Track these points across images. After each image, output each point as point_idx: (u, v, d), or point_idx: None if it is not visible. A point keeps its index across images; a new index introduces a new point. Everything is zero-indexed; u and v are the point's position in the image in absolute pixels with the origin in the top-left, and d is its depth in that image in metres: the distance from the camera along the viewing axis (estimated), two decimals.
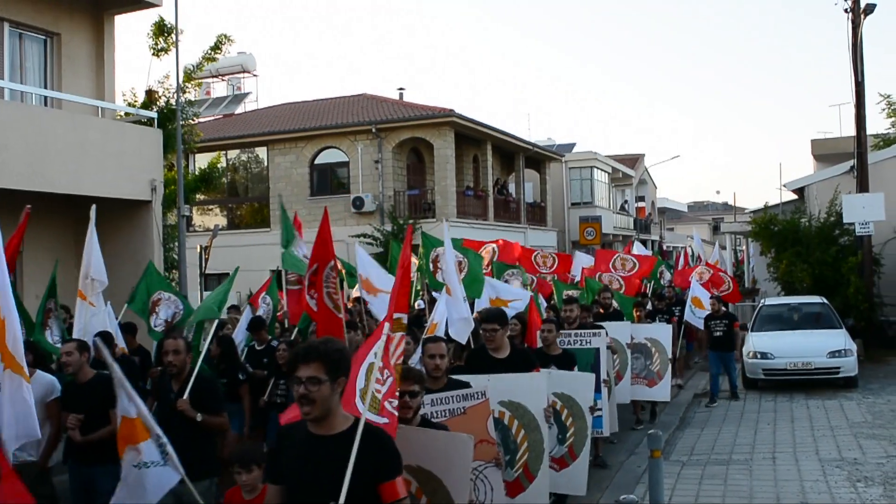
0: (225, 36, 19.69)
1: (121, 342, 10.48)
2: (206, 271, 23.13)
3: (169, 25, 18.09)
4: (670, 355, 13.86)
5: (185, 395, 6.77)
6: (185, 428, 6.57)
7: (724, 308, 16.69)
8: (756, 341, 17.18)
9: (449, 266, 10.45)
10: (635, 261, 20.22)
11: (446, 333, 9.78)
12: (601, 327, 11.25)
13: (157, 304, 12.16)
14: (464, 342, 10.26)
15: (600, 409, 9.79)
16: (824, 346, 16.48)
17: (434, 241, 14.06)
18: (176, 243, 17.35)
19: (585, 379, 8.73)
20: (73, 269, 15.25)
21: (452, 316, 10.04)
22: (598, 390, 9.62)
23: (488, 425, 6.24)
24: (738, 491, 9.79)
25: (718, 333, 15.75)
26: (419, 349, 9.03)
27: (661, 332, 13.96)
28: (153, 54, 18.30)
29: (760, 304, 19.93)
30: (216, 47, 19.63)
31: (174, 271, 17.87)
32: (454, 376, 6.66)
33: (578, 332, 10.60)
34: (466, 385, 6.36)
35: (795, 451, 11.62)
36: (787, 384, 16.51)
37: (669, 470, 10.30)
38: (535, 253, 20.12)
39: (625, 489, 9.44)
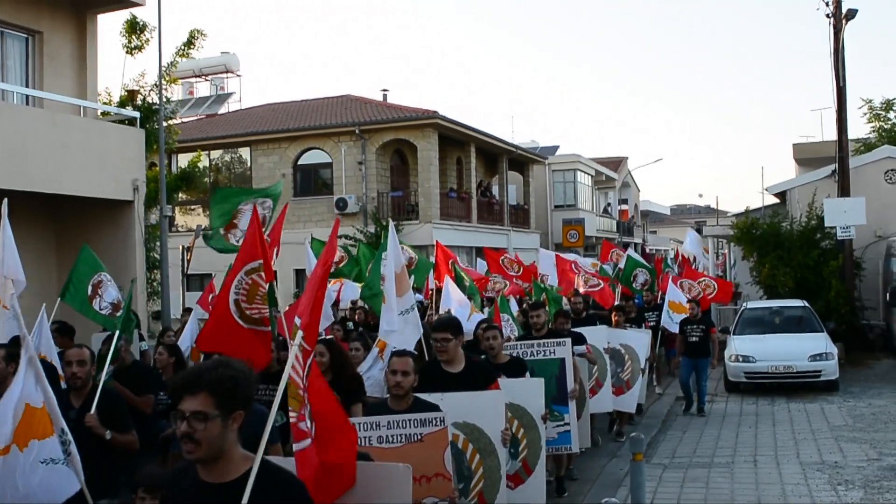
0: (198, 31, 19.63)
1: (46, 350, 9.09)
2: (189, 272, 23.00)
3: (141, 23, 18.01)
4: (643, 365, 13.18)
5: (92, 410, 6.24)
6: (89, 446, 5.89)
7: (700, 313, 15.78)
8: (738, 345, 17.23)
9: (388, 271, 9.25)
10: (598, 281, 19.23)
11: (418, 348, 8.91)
12: (578, 335, 10.68)
13: (99, 286, 11.02)
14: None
15: (567, 424, 9.19)
16: (806, 349, 16.56)
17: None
18: (158, 243, 17.26)
19: (534, 385, 7.95)
20: (52, 269, 15.22)
21: (383, 326, 8.98)
22: (564, 403, 9.19)
23: (445, 457, 5.57)
24: (719, 494, 9.82)
25: (694, 339, 14.97)
26: (372, 356, 8.83)
27: (638, 339, 13.31)
28: (127, 52, 18.22)
29: (742, 308, 19.99)
30: (189, 43, 19.57)
31: (156, 271, 17.77)
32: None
33: (541, 341, 9.57)
34: (434, 407, 5.78)
35: (777, 454, 11.66)
36: (769, 387, 16.57)
37: (651, 473, 10.32)
38: (503, 257, 20.26)
39: (607, 492, 9.44)
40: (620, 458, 11.23)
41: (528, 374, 8.26)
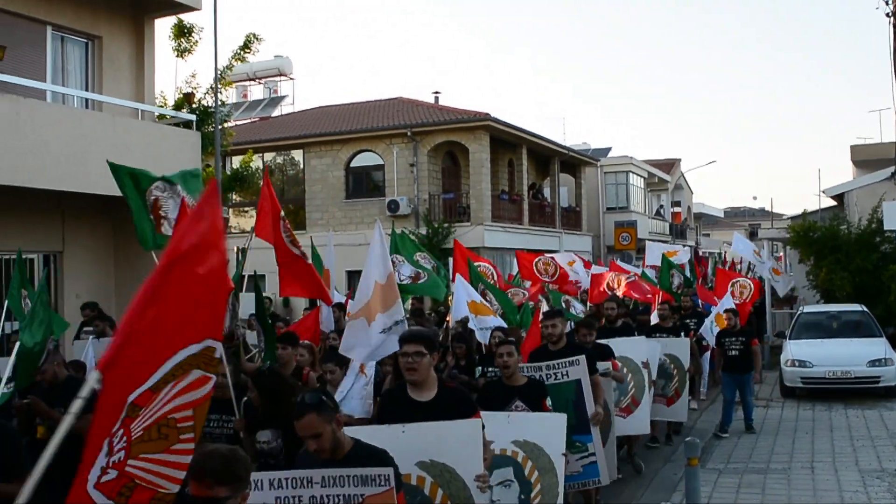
0: (254, 35, 19.83)
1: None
2: (244, 272, 23.22)
3: (189, 26, 18.26)
4: (687, 369, 12.64)
5: None
6: None
7: (740, 323, 14.16)
8: (794, 349, 16.99)
9: (367, 280, 7.49)
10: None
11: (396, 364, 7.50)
12: (603, 348, 9.61)
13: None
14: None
15: (593, 455, 8.11)
16: (864, 354, 16.26)
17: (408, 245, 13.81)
18: None
19: (555, 421, 6.71)
20: (111, 269, 15.50)
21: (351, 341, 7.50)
22: (585, 431, 8.09)
23: None
24: (776, 500, 9.70)
25: (734, 352, 13.64)
26: (353, 371, 7.50)
27: (679, 347, 12.71)
28: (176, 55, 18.49)
29: (799, 312, 19.70)
30: (246, 46, 19.78)
31: None
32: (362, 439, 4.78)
33: (550, 363, 8.20)
34: (379, 457, 4.57)
35: (835, 460, 11.47)
36: (826, 393, 16.30)
37: (706, 478, 10.21)
38: (538, 259, 18.10)
39: (661, 496, 9.41)
40: (674, 463, 11.16)
41: (548, 398, 7.18)
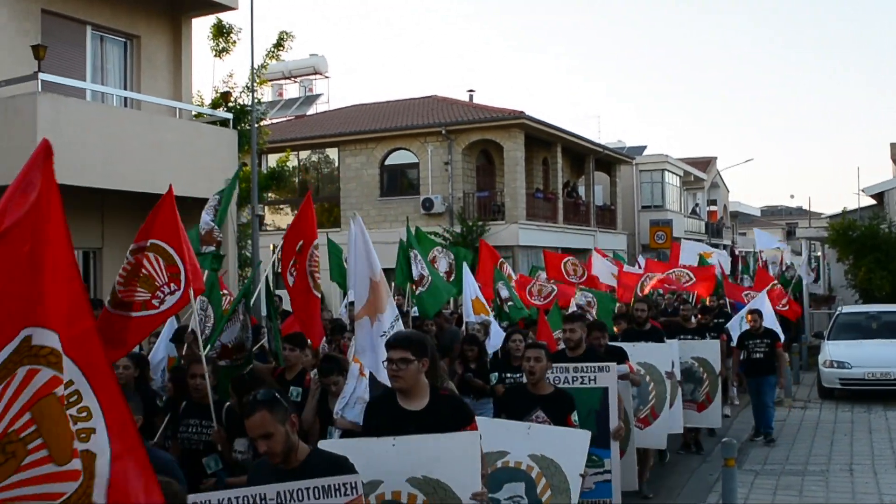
0: (286, 33, 19.93)
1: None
2: (279, 270, 23.39)
3: (228, 26, 18.40)
4: (719, 372, 11.98)
5: None
6: None
7: (765, 325, 13.33)
8: (833, 350, 16.78)
9: (360, 276, 6.93)
10: (691, 275, 17.40)
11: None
12: (616, 350, 8.95)
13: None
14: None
15: (608, 472, 7.38)
16: None
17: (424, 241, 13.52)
18: (249, 242, 17.60)
19: (577, 439, 6.13)
20: None
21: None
22: (604, 445, 7.36)
23: None
24: (813, 502, 9.57)
25: (758, 355, 12.97)
26: (353, 374, 6.82)
27: (709, 350, 12.08)
28: (214, 55, 18.64)
29: (837, 312, 19.46)
30: (279, 44, 19.90)
31: (247, 269, 18.14)
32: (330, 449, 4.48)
33: (579, 365, 7.73)
34: (340, 464, 4.17)
35: (874, 463, 11.31)
36: (865, 394, 16.08)
37: (743, 479, 10.10)
38: (566, 259, 17.91)
39: (697, 497, 9.34)
40: (711, 464, 11.06)
41: (575, 413, 6.61)
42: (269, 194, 27.03)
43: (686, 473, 10.78)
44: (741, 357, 13.26)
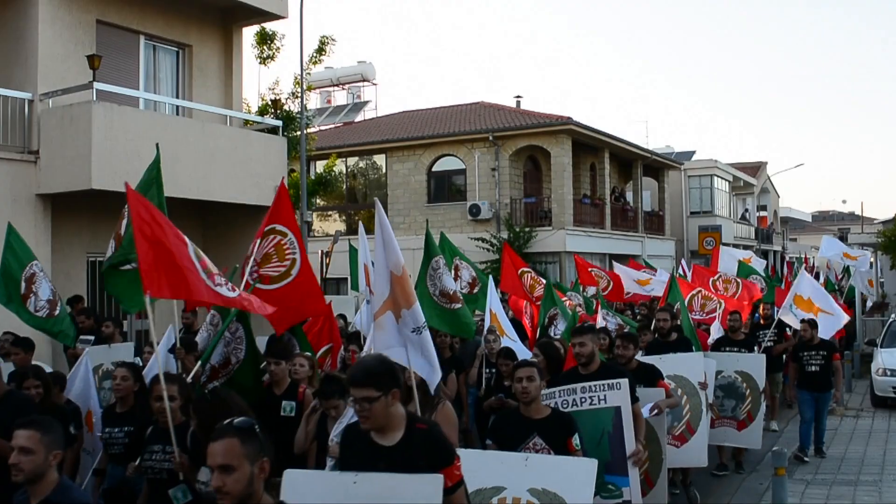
0: (328, 37, 20.13)
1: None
2: (327, 276, 23.62)
3: (271, 33, 18.63)
4: (762, 388, 11.11)
5: None
6: None
7: (820, 336, 12.54)
8: (886, 358, 16.53)
9: (380, 267, 6.17)
10: (739, 283, 16.26)
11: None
12: (649, 369, 8.14)
13: (33, 280, 9.30)
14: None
15: (627, 502, 6.47)
16: None
17: (448, 247, 12.18)
18: None
19: (583, 469, 5.46)
20: None
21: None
22: (621, 471, 6.52)
23: None
24: None
25: (813, 368, 12.10)
26: None
27: (754, 364, 11.18)
28: (260, 62, 18.88)
29: (891, 320, 19.15)
30: (321, 49, 20.10)
31: None
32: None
33: (586, 385, 6.75)
34: None
35: None
36: None
37: (794, 489, 9.99)
38: (593, 268, 17.56)
39: None
40: (760, 473, 10.94)
41: (576, 436, 5.86)
42: (317, 200, 27.28)
43: (736, 482, 10.67)
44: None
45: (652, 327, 11.31)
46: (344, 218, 33.11)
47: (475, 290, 12.31)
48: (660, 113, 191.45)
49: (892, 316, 19.98)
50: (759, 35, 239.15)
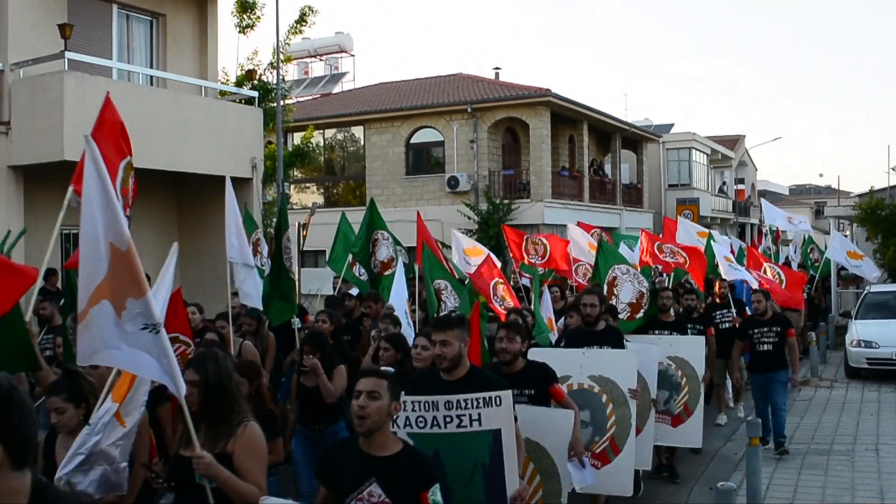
0: (309, 8, 19.93)
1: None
2: (304, 248, 23.52)
3: (252, 1, 18.43)
4: (702, 377, 9.41)
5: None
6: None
7: (774, 309, 11.23)
8: (860, 329, 16.64)
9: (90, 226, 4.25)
10: (685, 255, 13.89)
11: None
12: (542, 372, 6.13)
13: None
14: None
15: None
16: None
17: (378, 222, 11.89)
18: (275, 219, 17.70)
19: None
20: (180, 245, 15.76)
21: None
22: None
23: None
24: (839, 482, 9.51)
25: (766, 347, 10.67)
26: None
27: (690, 348, 9.52)
28: (239, 31, 18.69)
29: (865, 292, 19.29)
30: (301, 20, 19.91)
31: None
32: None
33: (451, 399, 4.84)
34: None
35: None
36: (892, 374, 15.93)
37: (767, 458, 10.07)
38: (527, 237, 15.50)
39: (721, 476, 9.28)
40: (735, 442, 11.03)
41: (435, 490, 3.97)
42: (295, 172, 27.10)
43: (710, 452, 10.75)
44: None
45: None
46: (322, 190, 32.96)
47: (387, 273, 11.50)
48: (639, 86, 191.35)
49: (867, 288, 20.13)
50: (739, 7, 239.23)
